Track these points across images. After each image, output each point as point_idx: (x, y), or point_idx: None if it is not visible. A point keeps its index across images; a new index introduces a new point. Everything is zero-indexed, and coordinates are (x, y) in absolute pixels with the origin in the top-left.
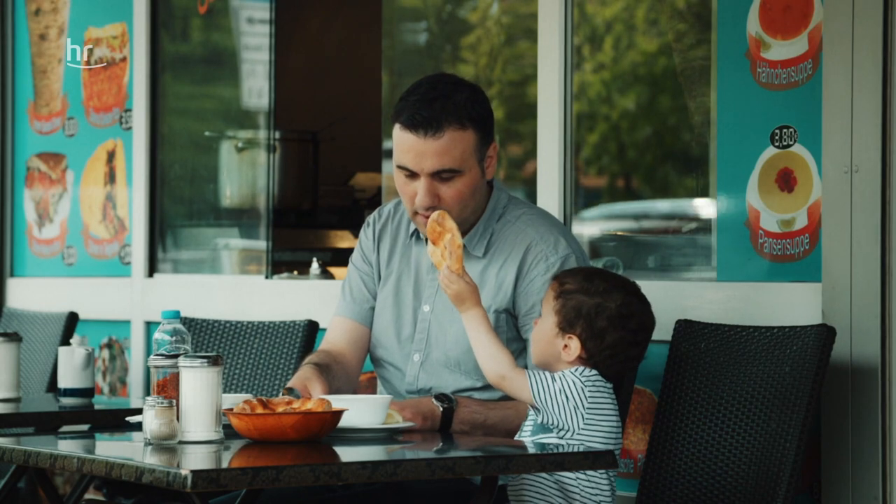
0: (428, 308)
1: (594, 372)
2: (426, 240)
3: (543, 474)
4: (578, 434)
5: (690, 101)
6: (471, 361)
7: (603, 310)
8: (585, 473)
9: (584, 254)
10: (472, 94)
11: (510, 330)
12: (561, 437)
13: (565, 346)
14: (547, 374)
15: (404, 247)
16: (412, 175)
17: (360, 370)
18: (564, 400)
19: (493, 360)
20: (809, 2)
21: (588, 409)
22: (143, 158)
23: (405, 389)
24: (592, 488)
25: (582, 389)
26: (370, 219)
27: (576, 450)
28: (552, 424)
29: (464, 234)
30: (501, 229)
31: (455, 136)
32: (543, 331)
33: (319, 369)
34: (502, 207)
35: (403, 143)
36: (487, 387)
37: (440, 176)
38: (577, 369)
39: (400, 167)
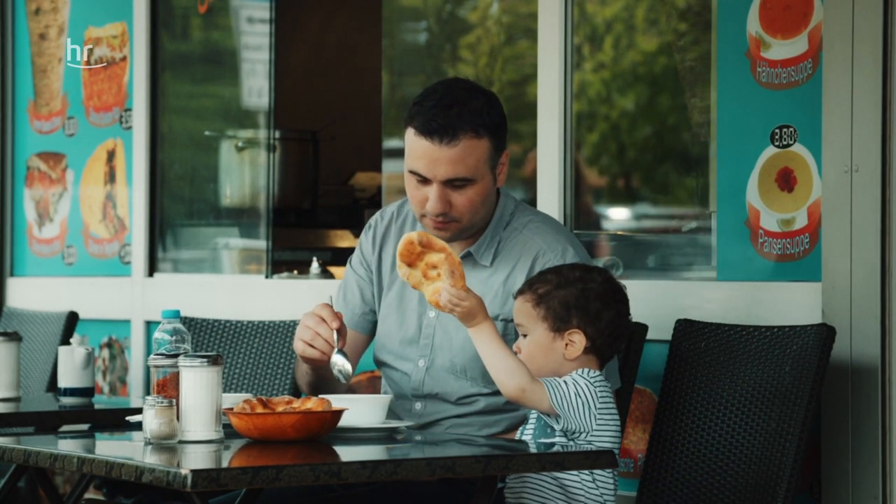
0: (433, 314)
1: (596, 372)
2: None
3: (546, 477)
4: (592, 435)
5: (690, 100)
6: (477, 368)
7: (589, 292)
8: (592, 475)
9: (589, 260)
10: (487, 101)
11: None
12: (575, 439)
13: (567, 343)
14: (558, 379)
15: None
16: (424, 180)
17: (355, 369)
18: (580, 403)
19: (511, 373)
20: (809, 1)
21: (599, 408)
22: (142, 158)
23: (411, 393)
24: (594, 489)
25: (593, 390)
26: (372, 221)
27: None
28: (571, 429)
29: (471, 241)
30: (508, 237)
31: (470, 144)
32: (536, 343)
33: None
34: (509, 214)
35: (417, 149)
36: (496, 392)
37: (453, 183)
38: (581, 371)
39: (412, 172)
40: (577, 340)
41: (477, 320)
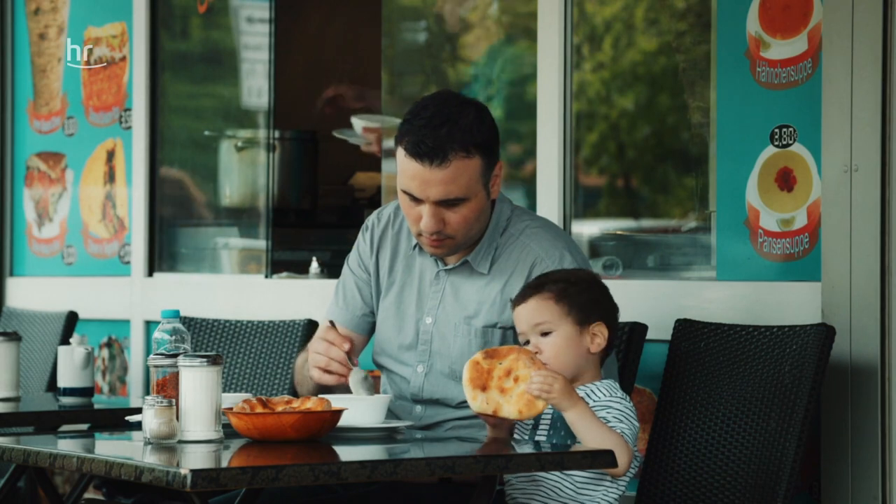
0: (430, 320)
1: (616, 384)
2: (430, 255)
3: (558, 483)
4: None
5: (690, 100)
6: None
7: (601, 287)
8: (615, 481)
9: (588, 264)
10: (477, 116)
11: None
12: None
13: (592, 336)
14: (609, 416)
15: (407, 257)
16: (417, 200)
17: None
18: (637, 430)
19: (622, 451)
20: (809, 1)
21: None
22: (142, 158)
23: (411, 397)
24: (601, 491)
25: (631, 407)
26: (369, 222)
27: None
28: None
29: (468, 250)
30: (505, 243)
31: (461, 164)
32: (565, 339)
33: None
34: (505, 220)
35: (408, 170)
36: None
37: (446, 203)
38: (612, 393)
39: (404, 191)
40: (601, 333)
41: (574, 399)
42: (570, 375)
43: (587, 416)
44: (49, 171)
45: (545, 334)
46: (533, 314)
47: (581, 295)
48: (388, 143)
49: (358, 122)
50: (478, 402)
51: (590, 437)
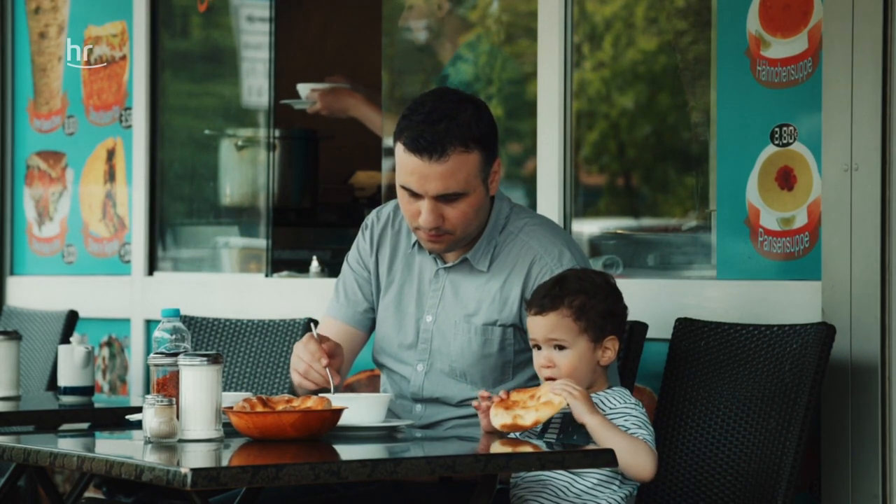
0: (430, 318)
1: (626, 390)
2: (429, 252)
3: (567, 483)
4: None
5: (690, 99)
6: (477, 373)
7: (616, 297)
8: (623, 484)
9: (587, 262)
10: (476, 112)
11: (517, 343)
12: None
13: (604, 350)
14: (628, 423)
15: (406, 255)
16: (416, 195)
17: (348, 371)
18: (649, 430)
19: (648, 452)
20: (809, 0)
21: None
22: (142, 157)
23: (411, 396)
24: (607, 493)
25: (641, 409)
26: (368, 221)
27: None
28: None
29: (468, 247)
30: (504, 241)
31: (460, 159)
32: (581, 356)
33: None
34: (504, 217)
35: (407, 165)
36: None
37: (445, 198)
38: (623, 399)
39: (403, 187)
40: (612, 347)
41: (594, 409)
42: (582, 388)
43: (608, 424)
44: (49, 170)
45: (560, 348)
46: (552, 330)
47: (598, 308)
48: (389, 141)
49: (304, 87)
50: (498, 418)
51: (617, 444)
